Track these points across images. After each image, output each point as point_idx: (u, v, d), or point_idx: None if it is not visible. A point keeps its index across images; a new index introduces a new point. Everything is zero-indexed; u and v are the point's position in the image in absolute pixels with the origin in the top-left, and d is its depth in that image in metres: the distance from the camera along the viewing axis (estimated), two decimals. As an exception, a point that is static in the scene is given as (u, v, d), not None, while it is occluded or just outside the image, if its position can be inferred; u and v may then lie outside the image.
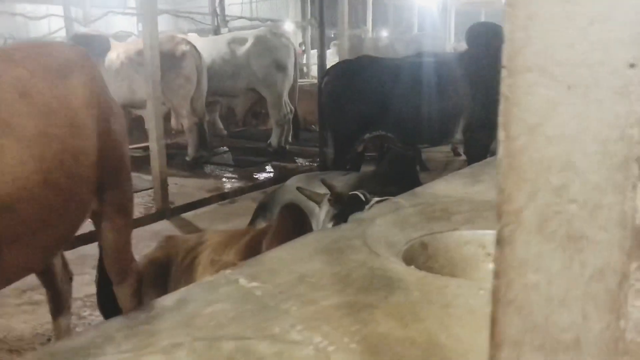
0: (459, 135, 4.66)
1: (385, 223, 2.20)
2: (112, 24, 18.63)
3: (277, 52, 8.17)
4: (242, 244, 2.94)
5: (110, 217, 2.36)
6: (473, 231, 2.31)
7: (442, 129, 4.63)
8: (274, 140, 8.01)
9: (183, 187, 7.15)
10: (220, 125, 9.96)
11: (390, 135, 4.69)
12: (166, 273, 3.04)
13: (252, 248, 2.82)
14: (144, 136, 9.37)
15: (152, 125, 5.99)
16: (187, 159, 8.11)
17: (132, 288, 2.55)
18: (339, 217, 3.13)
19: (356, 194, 3.26)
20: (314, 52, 14.99)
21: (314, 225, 3.33)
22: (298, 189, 3.62)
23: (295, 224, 2.85)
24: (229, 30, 14.37)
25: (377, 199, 3.10)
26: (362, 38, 14.99)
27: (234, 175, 7.81)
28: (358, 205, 3.12)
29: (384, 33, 20.01)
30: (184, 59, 8.03)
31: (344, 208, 3.14)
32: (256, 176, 7.78)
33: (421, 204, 2.39)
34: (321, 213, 3.30)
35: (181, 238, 3.21)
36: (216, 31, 14.54)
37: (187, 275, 2.92)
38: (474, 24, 4.89)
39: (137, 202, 6.43)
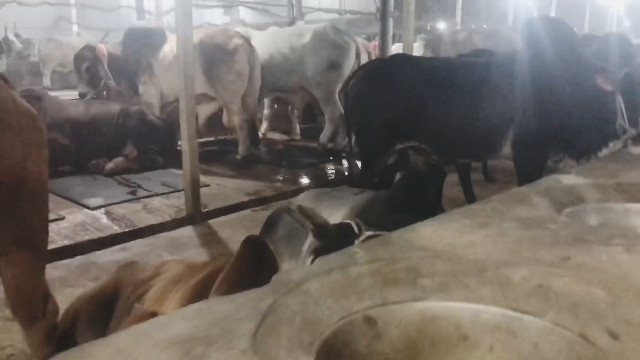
0: (507, 149, 3.94)
1: (318, 289, 1.64)
2: (197, 17, 18.73)
3: (334, 50, 7.63)
4: (192, 283, 2.47)
5: (7, 251, 1.95)
6: (445, 303, 1.70)
7: (487, 141, 3.93)
8: (323, 139, 7.50)
9: (223, 189, 6.80)
10: (296, 124, 9.60)
11: (425, 147, 4.04)
12: (111, 310, 2.62)
13: (203, 289, 2.35)
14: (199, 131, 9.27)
15: (184, 123, 5.66)
16: (238, 157, 7.79)
17: (43, 334, 2.14)
18: (323, 252, 2.58)
19: (348, 224, 2.70)
20: (397, 46, 14.29)
21: (287, 264, 2.80)
22: (287, 210, 3.10)
23: (257, 261, 2.35)
24: (305, 23, 14.01)
25: (369, 233, 2.53)
26: (440, 31, 14.04)
27: (281, 177, 7.37)
28: (348, 237, 2.57)
29: (473, 25, 18.87)
30: (236, 53, 7.69)
31: (331, 241, 2.60)
32: (302, 179, 7.31)
33: (382, 260, 1.79)
34: (304, 245, 2.76)
35: (139, 267, 2.78)
36: (291, 24, 14.23)
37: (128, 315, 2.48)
38: (530, 19, 4.12)
39: (170, 204, 6.14)
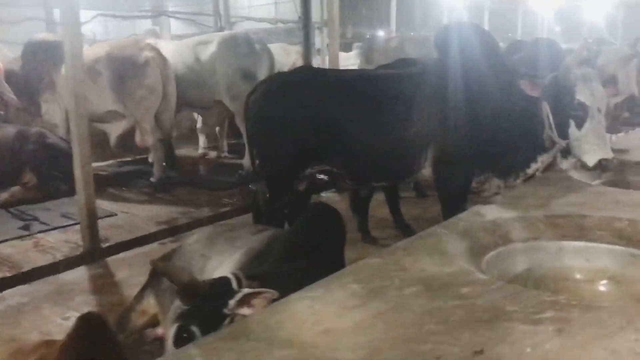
0: (427, 170, 3.48)
1: None
2: (117, 28, 17.99)
3: (245, 59, 7.06)
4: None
5: None
6: None
7: (404, 162, 3.46)
8: (246, 161, 6.92)
9: (132, 218, 6.12)
10: (224, 141, 8.96)
11: (337, 170, 3.55)
12: None
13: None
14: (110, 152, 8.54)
15: (76, 147, 4.99)
16: (152, 180, 7.12)
17: None
18: (190, 318, 2.05)
19: (225, 279, 2.17)
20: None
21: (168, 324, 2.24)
22: (154, 263, 2.54)
23: (93, 342, 1.80)
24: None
25: (247, 291, 2.01)
26: (372, 39, 13.72)
27: (199, 202, 6.75)
28: (223, 297, 2.05)
29: (412, 33, 18.70)
30: (147, 66, 7.03)
31: (201, 303, 2.06)
32: (223, 204, 6.71)
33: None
34: (172, 309, 2.20)
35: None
36: (219, 34, 13.63)
37: None
38: (444, 26, 3.70)
39: (67, 239, 5.44)
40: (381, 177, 3.65)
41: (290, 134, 3.42)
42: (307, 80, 3.46)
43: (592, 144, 3.21)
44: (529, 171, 3.47)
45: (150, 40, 7.49)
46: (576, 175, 3.37)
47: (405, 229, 4.83)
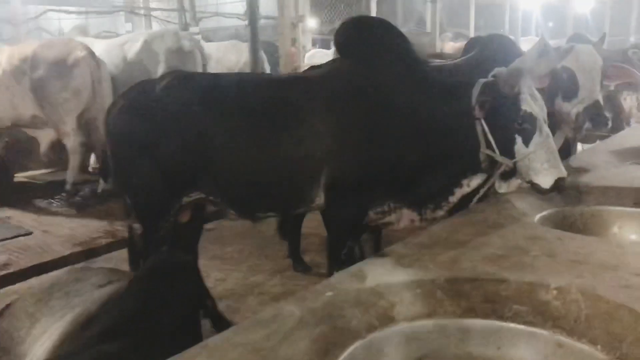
0: (320, 199, 2.79)
1: None
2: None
3: (172, 58, 6.44)
4: None
5: None
6: None
7: (293, 190, 2.76)
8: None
9: (48, 237, 5.42)
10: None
11: (214, 198, 2.87)
12: None
13: None
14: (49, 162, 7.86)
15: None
16: (67, 187, 6.46)
17: None
18: None
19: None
20: (313, 53, 13.18)
21: None
22: None
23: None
24: (200, 31, 12.75)
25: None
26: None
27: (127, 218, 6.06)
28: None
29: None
30: (76, 67, 6.39)
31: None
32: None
33: None
34: None
35: None
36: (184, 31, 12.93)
37: None
38: (344, 22, 3.01)
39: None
40: (265, 207, 2.95)
41: (155, 155, 2.74)
42: (174, 89, 2.77)
43: (544, 162, 2.56)
44: (453, 199, 2.79)
45: (80, 40, 6.83)
46: (518, 203, 2.71)
47: (303, 268, 4.19)
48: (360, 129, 2.71)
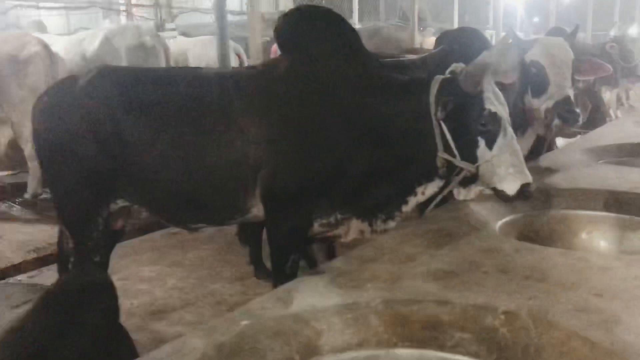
0: (258, 209, 2.55)
1: None
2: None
3: (133, 55, 6.19)
4: None
5: None
6: None
7: (225, 198, 2.51)
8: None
9: (1, 244, 5.15)
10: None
11: (139, 207, 2.62)
12: None
13: None
14: None
15: None
16: (26, 196, 6.17)
17: None
18: None
19: None
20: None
21: None
22: None
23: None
24: (176, 27, 12.48)
25: None
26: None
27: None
28: None
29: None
30: (30, 64, 6.08)
31: None
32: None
33: None
34: None
35: None
36: (159, 28, 12.64)
37: None
38: (285, 14, 2.76)
39: None
40: (193, 217, 2.71)
41: (75, 158, 2.50)
42: (95, 86, 2.51)
43: (508, 167, 2.34)
44: (406, 209, 2.57)
45: (39, 34, 6.55)
46: (479, 209, 2.50)
47: (265, 275, 3.94)
48: (299, 132, 2.47)
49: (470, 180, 2.44)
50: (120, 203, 2.65)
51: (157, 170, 2.49)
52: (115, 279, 4.37)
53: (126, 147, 2.49)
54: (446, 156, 2.40)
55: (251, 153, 2.49)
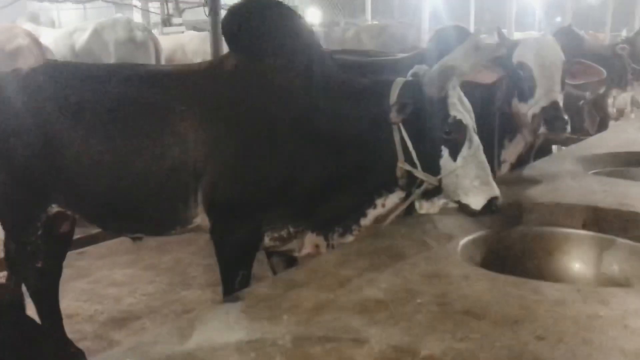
0: (202, 220, 2.37)
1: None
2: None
3: (123, 48, 6.04)
4: None
5: None
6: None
7: (163, 207, 2.33)
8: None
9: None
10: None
11: (72, 213, 2.44)
12: None
13: None
14: None
15: None
16: None
17: None
18: None
19: None
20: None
21: None
22: None
23: None
24: (183, 22, 12.33)
25: None
26: (329, 29, 12.59)
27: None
28: None
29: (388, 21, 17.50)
30: (19, 56, 5.95)
31: None
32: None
33: None
34: None
35: None
36: (166, 23, 12.51)
37: None
38: (231, 7, 2.54)
39: None
40: (130, 227, 2.53)
41: (8, 157, 2.34)
42: (31, 83, 2.35)
43: (474, 179, 2.13)
44: (365, 222, 2.36)
45: (28, 27, 6.43)
46: (443, 224, 2.27)
47: None
48: (243, 137, 2.28)
49: (433, 192, 2.23)
50: (56, 208, 2.48)
51: (88, 175, 2.32)
52: (85, 282, 4.26)
53: (56, 149, 2.32)
54: (407, 166, 2.20)
55: (190, 159, 2.31)
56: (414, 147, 2.19)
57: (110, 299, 3.92)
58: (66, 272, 4.68)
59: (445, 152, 2.16)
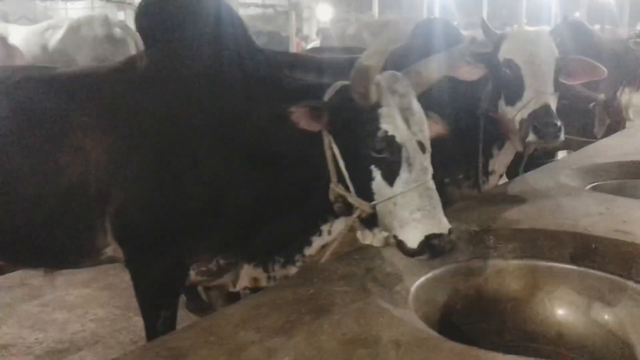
0: (114, 251, 1.99)
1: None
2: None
3: (101, 47, 5.68)
4: None
5: None
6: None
7: (64, 238, 1.94)
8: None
9: None
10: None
11: None
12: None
13: None
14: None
15: None
16: None
17: None
18: None
19: None
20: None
21: None
22: None
23: None
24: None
25: None
26: (332, 25, 12.22)
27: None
28: None
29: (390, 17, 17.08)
30: (-14, 55, 5.63)
31: None
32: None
33: None
34: None
35: None
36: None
37: None
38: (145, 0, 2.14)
39: None
40: (30, 258, 2.14)
41: None
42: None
43: (414, 210, 1.68)
44: (310, 251, 1.96)
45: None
46: (397, 259, 1.85)
47: (197, 307, 3.37)
48: (154, 152, 1.87)
49: (373, 222, 1.79)
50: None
51: None
52: (34, 305, 3.87)
53: None
54: (340, 189, 1.77)
55: (93, 179, 1.91)
56: (347, 167, 1.77)
57: (56, 325, 3.54)
58: (17, 293, 4.40)
59: (377, 174, 1.72)
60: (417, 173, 1.67)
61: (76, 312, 3.73)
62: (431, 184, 1.68)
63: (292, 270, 2.05)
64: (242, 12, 16.63)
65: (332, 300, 1.55)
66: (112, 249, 2.03)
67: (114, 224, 1.95)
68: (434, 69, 1.89)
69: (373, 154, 1.68)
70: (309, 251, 2.01)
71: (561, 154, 4.59)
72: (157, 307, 2.08)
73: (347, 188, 1.76)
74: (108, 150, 1.90)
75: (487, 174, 3.16)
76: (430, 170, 1.72)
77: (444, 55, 1.93)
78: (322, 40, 10.77)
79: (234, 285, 2.14)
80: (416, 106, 1.75)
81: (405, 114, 1.71)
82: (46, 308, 3.79)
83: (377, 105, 1.68)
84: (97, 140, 1.92)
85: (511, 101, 2.76)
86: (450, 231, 1.62)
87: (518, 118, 2.70)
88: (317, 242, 1.98)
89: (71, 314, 3.71)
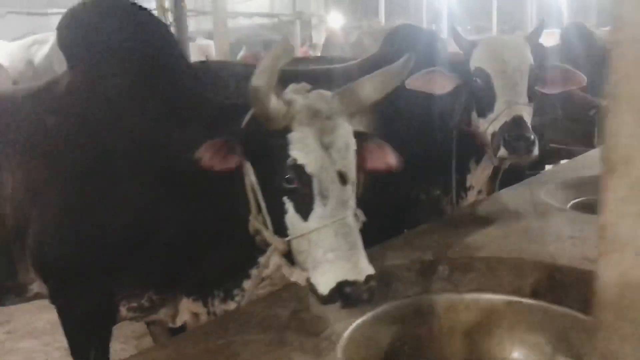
0: (37, 286, 1.85)
1: None
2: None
3: None
4: None
5: None
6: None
7: None
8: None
9: None
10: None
11: None
12: None
13: None
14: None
15: None
16: None
17: None
18: None
19: None
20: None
21: None
22: None
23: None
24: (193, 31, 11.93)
25: None
26: (333, 33, 12.04)
27: None
28: None
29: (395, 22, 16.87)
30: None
31: None
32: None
33: None
34: None
35: None
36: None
37: None
38: (69, 10, 1.96)
39: None
40: None
41: None
42: None
43: (327, 250, 1.46)
44: (249, 285, 1.79)
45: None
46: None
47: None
48: (71, 182, 1.73)
49: (292, 259, 1.60)
50: None
51: None
52: (1, 333, 3.74)
53: None
54: (257, 222, 1.60)
55: (9, 210, 1.78)
56: (264, 197, 1.58)
57: (19, 355, 3.39)
58: (-13, 318, 4.28)
59: (289, 206, 1.53)
60: (333, 207, 1.46)
61: (43, 340, 3.58)
62: (350, 220, 1.48)
63: (232, 305, 1.89)
64: (248, 22, 16.55)
65: (240, 353, 1.36)
66: (37, 285, 1.89)
67: (33, 258, 1.81)
68: (373, 87, 1.69)
69: (284, 185, 1.50)
70: (247, 285, 1.84)
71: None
72: (85, 345, 1.93)
73: (263, 221, 1.58)
74: (25, 180, 1.76)
75: (465, 189, 2.96)
76: (352, 205, 1.52)
77: (382, 71, 1.73)
78: (324, 48, 10.59)
79: (174, 321, 1.98)
80: (344, 130, 1.55)
81: (327, 139, 1.51)
82: (12, 336, 3.65)
83: (287, 129, 1.49)
84: (11, 168, 1.78)
85: (482, 113, 2.57)
86: (368, 278, 1.42)
87: (490, 131, 2.51)
88: (256, 276, 1.80)
89: (37, 342, 3.56)
